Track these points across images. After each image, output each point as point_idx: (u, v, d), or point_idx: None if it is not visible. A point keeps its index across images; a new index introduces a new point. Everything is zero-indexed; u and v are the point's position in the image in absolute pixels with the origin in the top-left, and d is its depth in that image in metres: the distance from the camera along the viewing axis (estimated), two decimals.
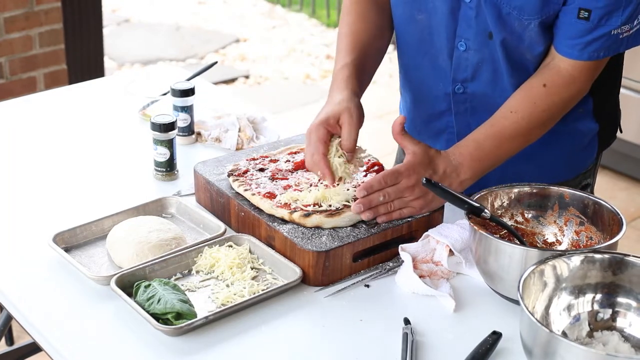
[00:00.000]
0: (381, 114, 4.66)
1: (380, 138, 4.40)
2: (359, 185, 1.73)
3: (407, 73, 1.98)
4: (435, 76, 1.90)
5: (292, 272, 1.63)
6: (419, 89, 1.96)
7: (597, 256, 1.49)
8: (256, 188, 1.77)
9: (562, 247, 1.69)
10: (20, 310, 1.59)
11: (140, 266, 1.63)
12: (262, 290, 1.61)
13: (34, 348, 2.70)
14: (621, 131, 2.03)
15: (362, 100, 1.81)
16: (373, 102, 4.75)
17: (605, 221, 1.64)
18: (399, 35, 1.94)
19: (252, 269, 1.67)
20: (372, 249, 1.70)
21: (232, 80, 5.45)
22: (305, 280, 1.64)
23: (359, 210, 1.68)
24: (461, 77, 1.87)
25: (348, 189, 1.74)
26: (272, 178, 1.81)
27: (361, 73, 1.86)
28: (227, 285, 1.63)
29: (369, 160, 1.86)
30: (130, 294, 1.58)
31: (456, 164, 1.75)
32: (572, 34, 1.72)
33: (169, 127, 1.97)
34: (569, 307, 1.49)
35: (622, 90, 3.42)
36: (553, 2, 1.70)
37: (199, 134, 2.19)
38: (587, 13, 1.68)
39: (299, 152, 1.90)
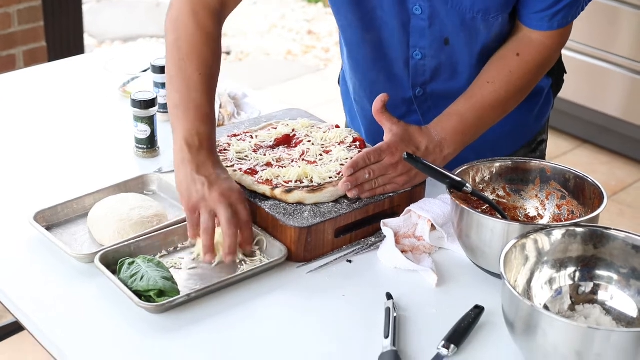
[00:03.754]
0: None
1: None
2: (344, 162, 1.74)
3: (362, 88, 1.96)
4: (391, 86, 1.89)
5: (277, 250, 1.63)
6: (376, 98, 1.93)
7: (579, 230, 1.50)
8: (237, 164, 1.76)
9: (544, 221, 1.70)
10: (2, 290, 1.58)
11: (125, 243, 1.62)
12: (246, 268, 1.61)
13: (17, 327, 2.70)
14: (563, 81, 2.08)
15: None
16: None
17: (586, 195, 1.64)
18: (351, 55, 1.92)
19: None
20: (354, 224, 1.69)
21: None
22: (287, 257, 1.63)
23: (346, 188, 1.68)
24: (420, 81, 1.88)
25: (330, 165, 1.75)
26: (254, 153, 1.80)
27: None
28: (211, 263, 1.62)
29: (346, 139, 1.85)
30: (113, 272, 1.57)
31: (439, 140, 1.74)
32: (539, 8, 1.75)
33: (150, 103, 1.96)
34: (551, 281, 1.50)
35: (605, 65, 3.45)
36: None
37: None
38: None
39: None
